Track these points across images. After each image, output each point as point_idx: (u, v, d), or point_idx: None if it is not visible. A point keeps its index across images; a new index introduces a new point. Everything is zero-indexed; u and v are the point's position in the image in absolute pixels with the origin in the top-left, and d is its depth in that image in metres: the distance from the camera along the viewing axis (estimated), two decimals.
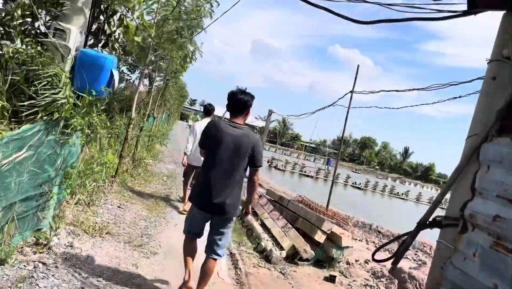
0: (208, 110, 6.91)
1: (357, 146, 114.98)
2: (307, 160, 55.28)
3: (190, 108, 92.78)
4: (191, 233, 3.39)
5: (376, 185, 32.34)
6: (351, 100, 6.99)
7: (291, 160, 35.13)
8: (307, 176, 29.56)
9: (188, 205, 5.83)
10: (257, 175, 3.33)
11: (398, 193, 32.91)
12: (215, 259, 3.31)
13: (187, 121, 58.87)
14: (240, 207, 3.47)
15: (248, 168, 3.29)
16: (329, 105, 7.79)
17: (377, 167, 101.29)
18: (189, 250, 3.39)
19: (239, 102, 3.27)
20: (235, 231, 6.42)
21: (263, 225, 6.81)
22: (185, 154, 6.74)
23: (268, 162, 30.76)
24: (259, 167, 3.31)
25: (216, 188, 3.13)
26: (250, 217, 7.04)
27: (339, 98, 7.31)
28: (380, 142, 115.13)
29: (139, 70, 15.02)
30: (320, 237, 5.77)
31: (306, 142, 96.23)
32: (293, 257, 5.68)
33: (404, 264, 5.89)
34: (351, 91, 6.96)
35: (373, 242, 9.12)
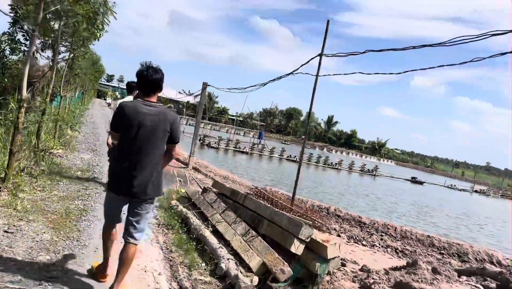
0: (131, 87, 6.28)
1: (283, 117, 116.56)
2: (237, 134, 54.11)
3: (108, 85, 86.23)
4: (111, 219, 3.29)
5: (311, 157, 32.04)
6: (320, 65, 5.55)
7: (224, 136, 33.56)
8: (243, 152, 28.22)
9: None
10: (174, 150, 3.34)
11: (332, 163, 33.02)
12: (135, 244, 3.17)
13: (105, 99, 54.12)
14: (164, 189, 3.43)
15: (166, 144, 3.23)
16: (290, 73, 6.28)
17: (303, 136, 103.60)
18: (108, 236, 3.32)
19: (153, 81, 3.14)
20: (181, 247, 4.78)
21: (215, 232, 5.23)
22: (109, 133, 5.21)
23: (200, 140, 28.88)
24: (177, 143, 3.30)
25: (137, 171, 3.05)
26: (198, 223, 5.41)
27: (305, 63, 5.80)
28: (305, 113, 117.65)
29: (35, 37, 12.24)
30: (297, 248, 4.36)
31: (234, 115, 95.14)
32: (265, 279, 4.21)
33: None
34: (320, 55, 5.51)
35: (335, 230, 8.02)
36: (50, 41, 11.61)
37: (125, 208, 3.24)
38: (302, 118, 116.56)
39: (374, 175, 34.17)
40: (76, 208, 5.32)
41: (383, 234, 8.27)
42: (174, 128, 3.19)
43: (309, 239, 4.42)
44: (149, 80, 3.12)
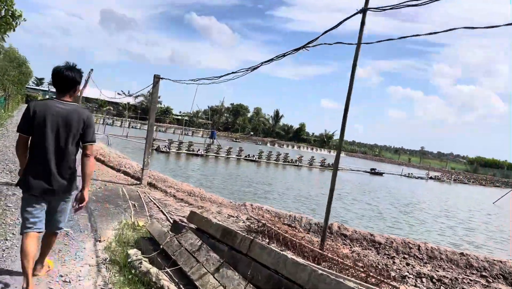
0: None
1: (229, 113, 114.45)
2: (185, 134, 51.24)
3: (37, 89, 79.16)
4: (34, 226, 3.09)
5: (270, 155, 30.12)
6: (363, 26, 3.57)
7: (172, 138, 30.76)
8: (197, 154, 25.58)
9: None
10: (90, 150, 3.19)
11: (292, 160, 31.38)
12: (59, 232, 3.40)
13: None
14: (79, 185, 3.25)
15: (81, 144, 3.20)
16: (302, 47, 4.20)
17: (252, 133, 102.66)
18: (30, 249, 3.01)
19: (66, 79, 3.12)
20: None
21: None
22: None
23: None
24: (92, 142, 3.22)
25: (54, 169, 3.08)
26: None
27: (346, 19, 3.69)
28: (252, 109, 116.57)
29: None
30: None
31: (178, 115, 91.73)
32: None
33: None
34: (364, 10, 3.50)
35: (347, 257, 6.13)
36: None
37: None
38: (249, 114, 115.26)
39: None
40: None
41: (405, 255, 6.53)
42: (88, 126, 3.18)
43: None
44: (61, 77, 3.12)
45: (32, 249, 3.01)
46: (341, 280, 2.74)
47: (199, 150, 26.23)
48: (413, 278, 5.65)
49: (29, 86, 71.55)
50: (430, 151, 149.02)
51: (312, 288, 2.91)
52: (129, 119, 72.81)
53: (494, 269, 6.22)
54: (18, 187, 3.12)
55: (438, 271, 6.08)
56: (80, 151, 3.24)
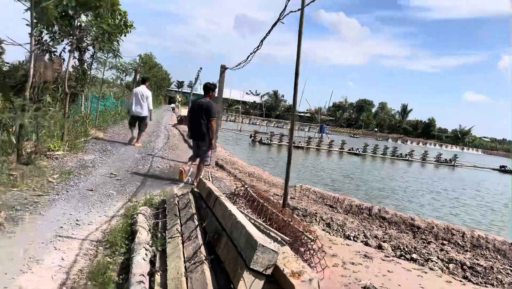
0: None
1: (353, 109, 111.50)
2: (301, 130, 52.06)
3: (177, 91, 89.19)
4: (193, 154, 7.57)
5: (376, 148, 28.81)
6: None
7: (283, 132, 31.71)
8: (297, 147, 26.09)
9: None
10: (212, 122, 6.97)
11: (401, 154, 29.47)
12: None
13: (170, 104, 55.27)
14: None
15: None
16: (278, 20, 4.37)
17: (376, 129, 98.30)
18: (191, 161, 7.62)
19: (205, 88, 7.22)
20: (96, 278, 3.20)
21: (163, 252, 3.60)
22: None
23: (250, 136, 27.42)
24: (213, 118, 6.97)
25: (197, 129, 7.08)
26: (143, 239, 3.80)
27: None
28: (377, 104, 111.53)
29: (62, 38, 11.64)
30: (249, 288, 2.55)
31: (301, 112, 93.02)
32: None
33: None
34: None
35: (376, 237, 5.95)
36: (75, 42, 10.86)
37: None
38: (374, 109, 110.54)
39: (453, 165, 29.93)
40: None
41: (444, 242, 5.99)
42: (208, 109, 6.97)
43: (270, 271, 2.59)
44: (204, 88, 7.27)
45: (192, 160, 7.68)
46: (248, 229, 2.97)
47: (300, 142, 26.66)
48: (436, 262, 5.25)
49: (170, 89, 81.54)
50: None
51: (230, 233, 3.20)
52: (253, 116, 77.03)
53: None
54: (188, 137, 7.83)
55: (478, 260, 5.48)
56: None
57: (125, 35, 12.84)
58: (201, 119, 6.86)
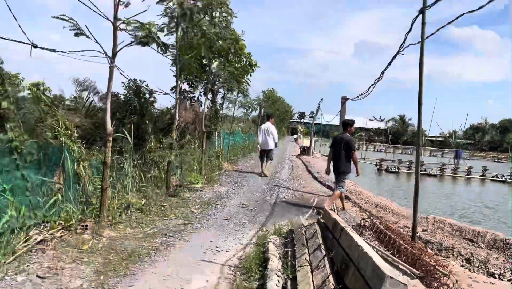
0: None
1: (496, 131, 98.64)
2: (433, 155, 48.05)
3: (300, 122, 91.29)
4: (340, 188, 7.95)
5: None
6: None
7: (411, 159, 29.77)
8: (429, 175, 24.09)
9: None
10: (353, 155, 7.63)
11: None
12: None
13: (293, 135, 56.87)
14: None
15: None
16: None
17: None
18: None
19: (344, 124, 8.06)
20: None
21: (293, 279, 3.84)
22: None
23: (376, 164, 26.31)
24: (353, 151, 7.63)
25: (338, 163, 7.72)
26: (275, 267, 4.10)
27: None
28: None
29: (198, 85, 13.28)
30: None
31: (432, 136, 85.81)
32: None
33: None
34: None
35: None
36: (209, 86, 12.42)
37: None
38: None
39: None
40: (150, 246, 4.82)
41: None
42: (348, 144, 7.58)
43: None
44: (343, 124, 8.12)
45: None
46: (374, 260, 3.04)
47: (432, 169, 24.54)
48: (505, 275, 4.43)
49: (292, 120, 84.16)
50: None
51: (356, 262, 3.29)
52: (378, 143, 74.11)
53: None
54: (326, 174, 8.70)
55: None
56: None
57: (250, 75, 14.03)
58: (342, 152, 7.56)
